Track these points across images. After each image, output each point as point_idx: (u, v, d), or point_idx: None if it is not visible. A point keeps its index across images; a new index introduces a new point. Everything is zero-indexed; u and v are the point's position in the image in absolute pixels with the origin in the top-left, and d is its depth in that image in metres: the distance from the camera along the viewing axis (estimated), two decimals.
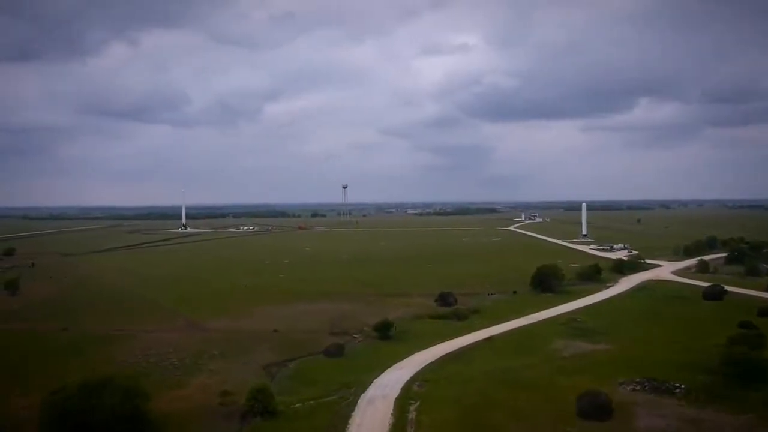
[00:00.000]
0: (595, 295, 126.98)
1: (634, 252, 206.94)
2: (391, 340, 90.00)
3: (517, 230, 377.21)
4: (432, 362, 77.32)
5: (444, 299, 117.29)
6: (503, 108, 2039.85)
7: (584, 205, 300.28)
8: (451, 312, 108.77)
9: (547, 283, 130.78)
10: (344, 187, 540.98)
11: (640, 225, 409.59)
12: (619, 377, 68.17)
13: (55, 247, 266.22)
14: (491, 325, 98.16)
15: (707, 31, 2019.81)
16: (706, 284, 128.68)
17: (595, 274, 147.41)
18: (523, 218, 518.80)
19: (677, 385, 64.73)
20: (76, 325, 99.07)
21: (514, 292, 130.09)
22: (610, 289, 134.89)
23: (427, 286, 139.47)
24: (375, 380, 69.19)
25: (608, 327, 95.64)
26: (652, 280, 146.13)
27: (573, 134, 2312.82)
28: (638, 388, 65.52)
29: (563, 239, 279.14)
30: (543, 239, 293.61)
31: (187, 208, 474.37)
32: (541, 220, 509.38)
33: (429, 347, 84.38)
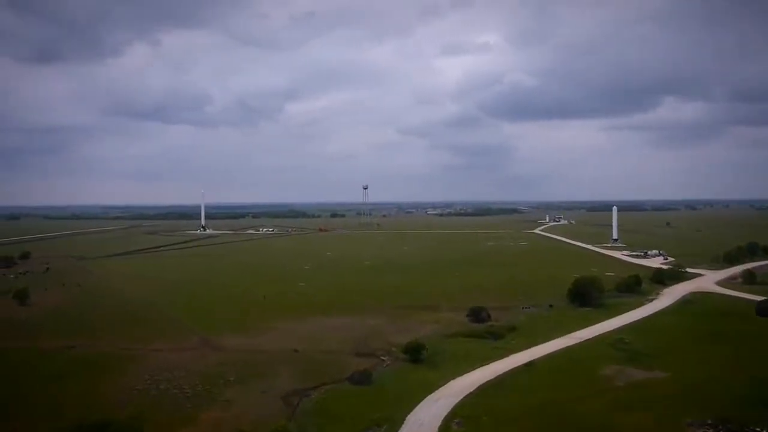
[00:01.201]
0: (637, 310, 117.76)
1: (671, 259, 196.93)
2: (422, 363, 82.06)
3: (543, 233, 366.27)
4: (470, 393, 69.31)
5: (476, 314, 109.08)
6: (524, 107, 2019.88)
7: (615, 208, 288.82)
8: (485, 330, 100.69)
9: (586, 296, 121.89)
10: (365, 188, 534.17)
11: (671, 228, 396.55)
12: (686, 416, 59.92)
13: (71, 250, 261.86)
14: (530, 346, 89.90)
15: (733, 29, 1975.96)
16: (757, 298, 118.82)
17: (635, 286, 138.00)
18: (547, 220, 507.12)
19: (757, 431, 56.16)
20: (84, 341, 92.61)
21: (551, 306, 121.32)
22: (654, 302, 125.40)
23: (455, 297, 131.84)
24: (408, 416, 61.57)
25: (661, 349, 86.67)
26: (696, 293, 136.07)
27: (594, 134, 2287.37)
28: (711, 431, 57.11)
29: (593, 244, 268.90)
30: (571, 243, 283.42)
31: (206, 208, 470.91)
32: (566, 222, 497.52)
33: (465, 373, 76.44)
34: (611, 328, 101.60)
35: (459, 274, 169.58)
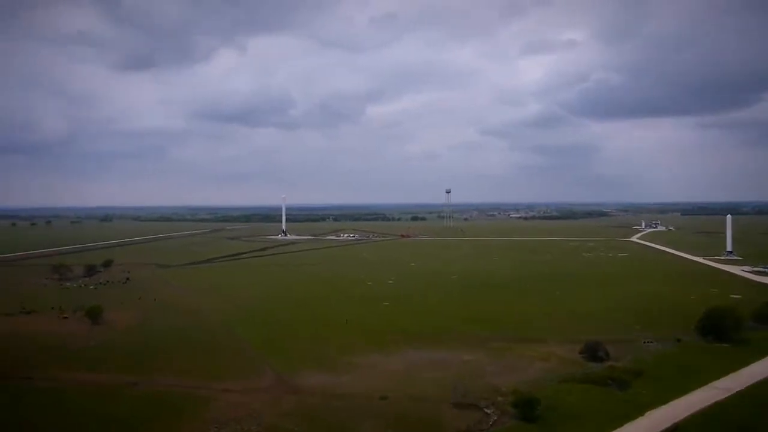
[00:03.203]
0: None
1: None
2: (535, 422, 67.26)
3: (643, 242, 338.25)
4: None
5: (592, 351, 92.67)
6: (611, 105, 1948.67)
7: (729, 217, 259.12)
8: (605, 373, 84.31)
9: (721, 329, 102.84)
10: (447, 192, 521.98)
11: None
12: None
13: (153, 257, 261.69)
14: (667, 399, 73.16)
15: None
16: None
17: None
18: (643, 226, 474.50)
19: None
20: (148, 376, 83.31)
21: (678, 341, 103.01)
22: None
23: (560, 324, 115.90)
24: None
25: None
26: None
27: (686, 132, 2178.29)
28: None
29: (702, 255, 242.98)
30: (678, 255, 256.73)
31: (288, 209, 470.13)
32: (664, 228, 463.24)
33: None
34: (764, 376, 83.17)
35: (559, 294, 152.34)
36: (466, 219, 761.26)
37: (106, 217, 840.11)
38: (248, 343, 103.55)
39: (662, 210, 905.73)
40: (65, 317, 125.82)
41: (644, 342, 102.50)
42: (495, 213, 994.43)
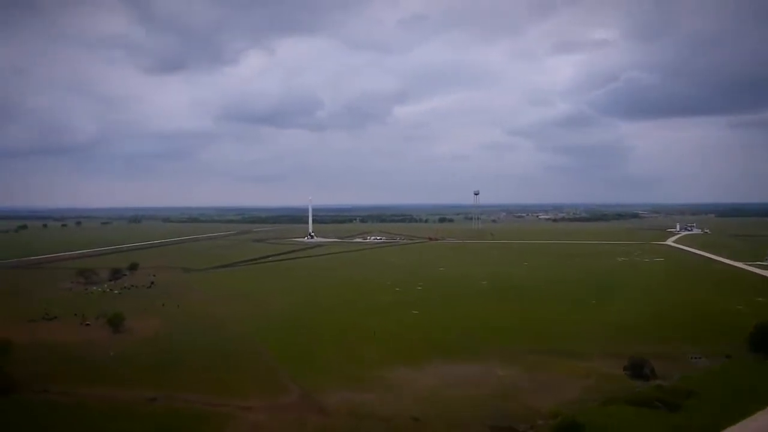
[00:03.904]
0: None
1: None
2: None
3: (678, 246, 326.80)
4: None
5: (637, 368, 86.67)
6: (642, 105, 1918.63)
7: None
8: (653, 393, 78.21)
9: None
10: (476, 194, 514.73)
11: None
12: None
13: (179, 260, 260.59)
14: (725, 423, 67.13)
15: None
16: None
17: None
18: (677, 228, 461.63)
19: None
20: (168, 391, 79.57)
21: (728, 357, 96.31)
22: None
23: (599, 337, 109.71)
24: None
25: None
26: None
27: (720, 132, 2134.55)
28: None
29: (743, 261, 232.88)
30: (718, 260, 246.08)
31: (314, 209, 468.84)
32: (699, 231, 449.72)
33: None
34: None
35: (595, 302, 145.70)
36: (494, 221, 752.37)
37: (135, 218, 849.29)
38: (272, 354, 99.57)
39: (694, 211, 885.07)
40: (87, 324, 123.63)
41: (691, 357, 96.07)
42: (523, 214, 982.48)
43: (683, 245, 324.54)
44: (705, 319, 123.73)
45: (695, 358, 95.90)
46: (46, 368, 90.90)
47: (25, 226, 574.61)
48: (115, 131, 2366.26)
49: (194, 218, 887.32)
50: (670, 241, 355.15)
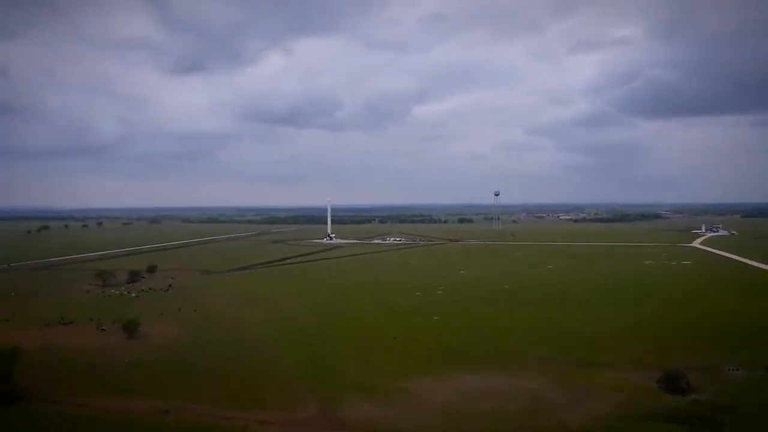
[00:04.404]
0: None
1: None
2: None
3: (705, 248, 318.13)
4: None
5: (672, 381, 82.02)
6: (663, 104, 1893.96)
7: None
8: (690, 409, 73.85)
9: None
10: (496, 194, 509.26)
11: None
12: None
13: (197, 262, 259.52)
14: None
15: None
16: None
17: None
18: (703, 230, 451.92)
19: None
20: (181, 402, 76.69)
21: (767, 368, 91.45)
22: None
23: (629, 346, 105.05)
24: None
25: None
26: None
27: (743, 131, 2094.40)
28: None
29: None
30: (748, 264, 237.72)
31: (333, 209, 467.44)
32: (725, 232, 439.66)
33: None
34: None
35: (623, 308, 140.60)
36: (514, 221, 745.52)
37: (155, 218, 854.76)
38: (289, 363, 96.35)
39: (719, 212, 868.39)
40: (103, 329, 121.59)
41: (729, 369, 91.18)
42: (543, 214, 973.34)
43: (711, 247, 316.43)
44: (740, 328, 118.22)
45: (733, 370, 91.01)
46: (58, 376, 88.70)
47: (46, 227, 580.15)
48: (136, 131, 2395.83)
49: (214, 218, 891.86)
50: (696, 243, 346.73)
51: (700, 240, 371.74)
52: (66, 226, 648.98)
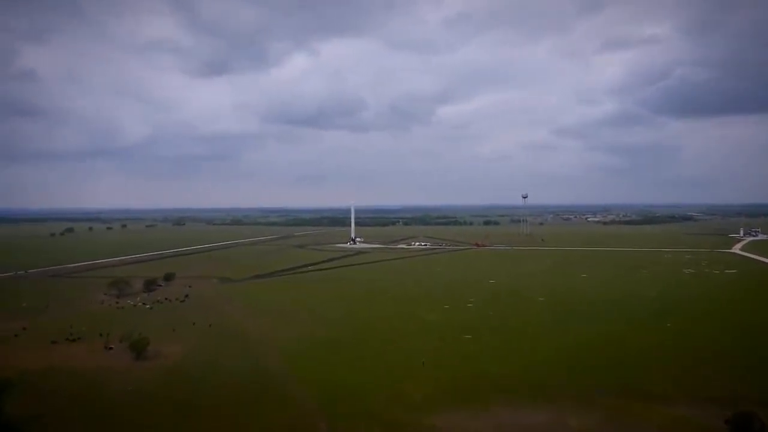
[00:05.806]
0: None
1: None
2: None
3: (748, 255, 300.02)
4: None
5: (744, 425, 71.15)
6: (694, 103, 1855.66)
7: None
8: None
9: None
10: (524, 197, 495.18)
11: None
12: None
13: (217, 268, 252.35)
14: None
15: None
16: None
17: None
18: (741, 234, 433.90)
19: None
20: None
21: None
22: None
23: (684, 373, 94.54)
24: None
25: None
26: None
27: None
28: None
29: None
30: None
31: (357, 211, 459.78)
32: (765, 236, 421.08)
33: None
34: None
35: (670, 325, 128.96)
36: (541, 223, 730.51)
37: (179, 221, 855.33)
38: (307, 391, 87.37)
39: (752, 213, 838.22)
40: (110, 348, 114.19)
41: None
42: (570, 216, 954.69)
43: (753, 254, 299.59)
44: None
45: None
46: (54, 408, 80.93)
47: (71, 229, 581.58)
48: (161, 133, 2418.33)
49: (238, 220, 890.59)
50: (736, 249, 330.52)
51: (739, 245, 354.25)
52: (90, 228, 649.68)
